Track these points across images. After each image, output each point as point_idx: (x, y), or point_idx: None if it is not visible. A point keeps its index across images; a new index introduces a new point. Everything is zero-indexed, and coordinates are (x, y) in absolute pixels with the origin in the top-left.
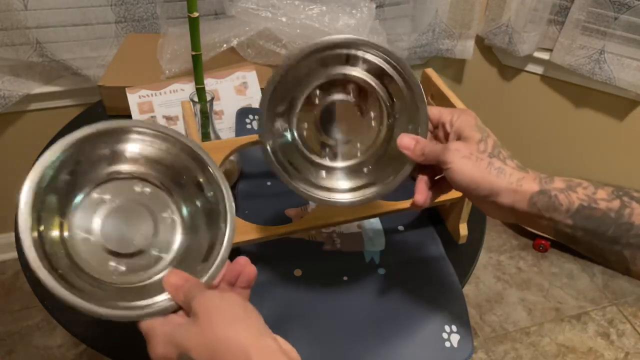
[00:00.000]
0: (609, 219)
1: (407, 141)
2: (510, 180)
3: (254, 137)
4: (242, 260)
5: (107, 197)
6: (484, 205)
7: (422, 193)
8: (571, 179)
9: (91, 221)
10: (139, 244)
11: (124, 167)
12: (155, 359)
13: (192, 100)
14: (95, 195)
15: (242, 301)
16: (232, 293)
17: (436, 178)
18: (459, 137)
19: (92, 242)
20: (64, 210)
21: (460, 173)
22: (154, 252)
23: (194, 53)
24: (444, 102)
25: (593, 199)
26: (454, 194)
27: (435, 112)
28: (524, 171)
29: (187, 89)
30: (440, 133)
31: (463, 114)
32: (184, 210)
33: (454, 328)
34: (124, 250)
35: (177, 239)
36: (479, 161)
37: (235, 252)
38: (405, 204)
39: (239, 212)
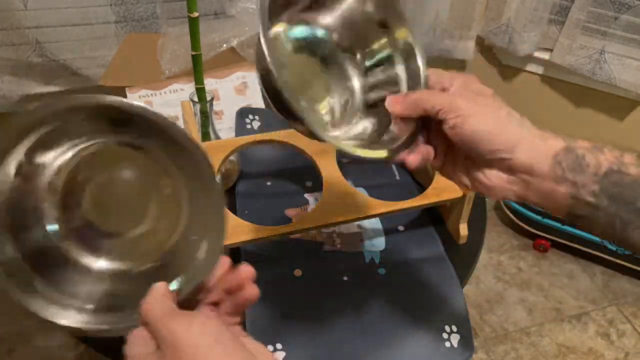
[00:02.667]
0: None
1: (392, 101)
2: (532, 132)
3: (254, 137)
4: (245, 272)
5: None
6: (489, 171)
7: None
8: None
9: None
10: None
11: None
12: None
13: (192, 100)
14: None
15: (228, 337)
16: (217, 322)
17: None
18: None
19: None
20: None
21: (474, 120)
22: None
23: (194, 53)
24: None
25: (622, 162)
26: (455, 194)
27: (433, 76)
28: (543, 130)
29: (187, 89)
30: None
31: (465, 75)
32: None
33: (454, 328)
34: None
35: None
36: (496, 110)
37: (235, 251)
38: (405, 203)
39: (239, 212)
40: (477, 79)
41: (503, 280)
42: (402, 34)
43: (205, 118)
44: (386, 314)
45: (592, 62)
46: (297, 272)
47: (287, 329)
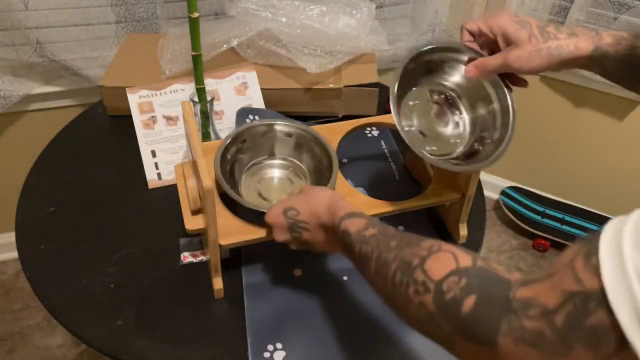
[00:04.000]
0: None
1: (468, 68)
2: (569, 50)
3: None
4: None
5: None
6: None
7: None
8: (614, 33)
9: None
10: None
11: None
12: (269, 221)
13: (192, 100)
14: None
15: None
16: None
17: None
18: (507, 41)
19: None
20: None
21: (531, 69)
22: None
23: (194, 53)
24: None
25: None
26: (454, 194)
27: (473, 26)
28: (575, 36)
29: (187, 89)
30: (485, 39)
31: (496, 18)
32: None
33: None
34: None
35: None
36: (540, 53)
37: (236, 251)
38: (405, 203)
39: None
40: (506, 15)
41: None
42: (500, 92)
43: (206, 118)
44: (386, 313)
45: None
46: (297, 272)
47: (287, 328)
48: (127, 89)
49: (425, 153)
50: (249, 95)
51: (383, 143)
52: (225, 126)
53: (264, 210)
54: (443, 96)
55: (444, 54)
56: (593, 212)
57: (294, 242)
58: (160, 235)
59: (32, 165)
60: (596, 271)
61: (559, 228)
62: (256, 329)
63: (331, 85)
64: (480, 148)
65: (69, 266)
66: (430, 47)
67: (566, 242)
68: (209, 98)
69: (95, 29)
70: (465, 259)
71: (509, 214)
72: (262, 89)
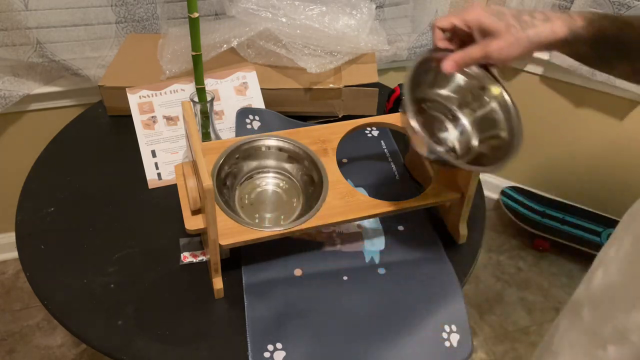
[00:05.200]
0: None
1: (447, 64)
2: (546, 35)
3: (254, 137)
4: None
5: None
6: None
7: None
8: (585, 15)
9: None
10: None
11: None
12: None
13: (192, 100)
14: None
15: None
16: None
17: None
18: (484, 33)
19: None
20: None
21: (511, 58)
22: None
23: (194, 53)
24: None
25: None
26: (454, 194)
27: (445, 23)
28: (550, 20)
29: (187, 89)
30: (460, 33)
31: (470, 12)
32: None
33: (454, 328)
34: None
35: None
36: (520, 42)
37: (236, 251)
38: (405, 203)
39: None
40: (480, 8)
41: (502, 280)
42: (495, 90)
43: (206, 118)
44: (386, 313)
45: None
46: (297, 272)
47: (287, 329)
48: (127, 89)
49: (462, 162)
50: (249, 95)
51: (383, 143)
52: (225, 126)
53: (259, 229)
54: (437, 105)
55: (426, 65)
56: (593, 212)
57: None
58: (160, 235)
59: (32, 165)
60: None
61: (559, 228)
62: (256, 329)
63: (331, 85)
64: (492, 144)
65: (69, 266)
66: (417, 62)
67: (566, 242)
68: (209, 98)
69: (95, 29)
70: None
71: (509, 214)
72: (262, 89)
